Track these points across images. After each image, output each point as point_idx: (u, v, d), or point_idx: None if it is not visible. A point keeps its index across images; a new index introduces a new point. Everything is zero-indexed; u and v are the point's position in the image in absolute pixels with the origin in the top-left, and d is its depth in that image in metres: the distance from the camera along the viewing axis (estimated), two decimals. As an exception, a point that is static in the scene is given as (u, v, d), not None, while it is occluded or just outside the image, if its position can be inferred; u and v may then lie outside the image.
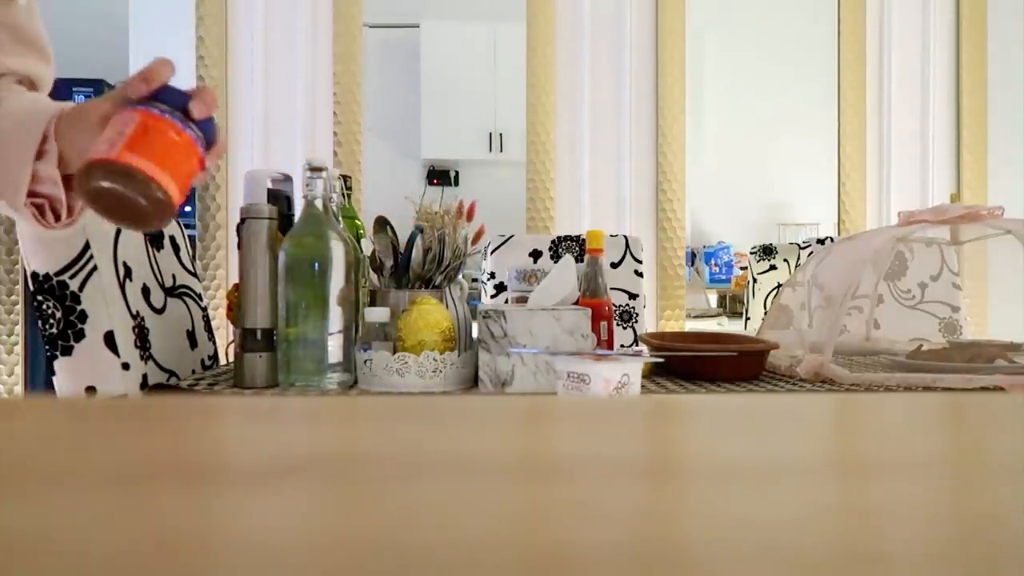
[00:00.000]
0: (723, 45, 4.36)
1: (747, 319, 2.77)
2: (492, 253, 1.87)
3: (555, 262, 1.79)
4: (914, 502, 0.15)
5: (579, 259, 1.48)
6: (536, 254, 1.87)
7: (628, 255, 1.88)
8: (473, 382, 1.07)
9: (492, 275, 1.86)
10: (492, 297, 1.85)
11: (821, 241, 2.38)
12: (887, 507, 0.15)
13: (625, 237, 1.92)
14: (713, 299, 4.16)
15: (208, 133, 0.72)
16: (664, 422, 0.26)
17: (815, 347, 1.14)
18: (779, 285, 2.51)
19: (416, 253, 1.15)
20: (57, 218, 0.79)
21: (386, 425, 0.23)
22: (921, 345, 1.35)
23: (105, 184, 0.65)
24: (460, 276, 1.19)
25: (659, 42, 2.64)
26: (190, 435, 0.22)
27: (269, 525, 0.14)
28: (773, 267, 2.66)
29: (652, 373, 1.19)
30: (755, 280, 2.71)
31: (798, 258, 2.52)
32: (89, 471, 0.17)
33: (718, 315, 3.97)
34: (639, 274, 1.88)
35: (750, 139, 4.51)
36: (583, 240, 1.80)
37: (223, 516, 0.14)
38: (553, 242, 1.89)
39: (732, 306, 3.95)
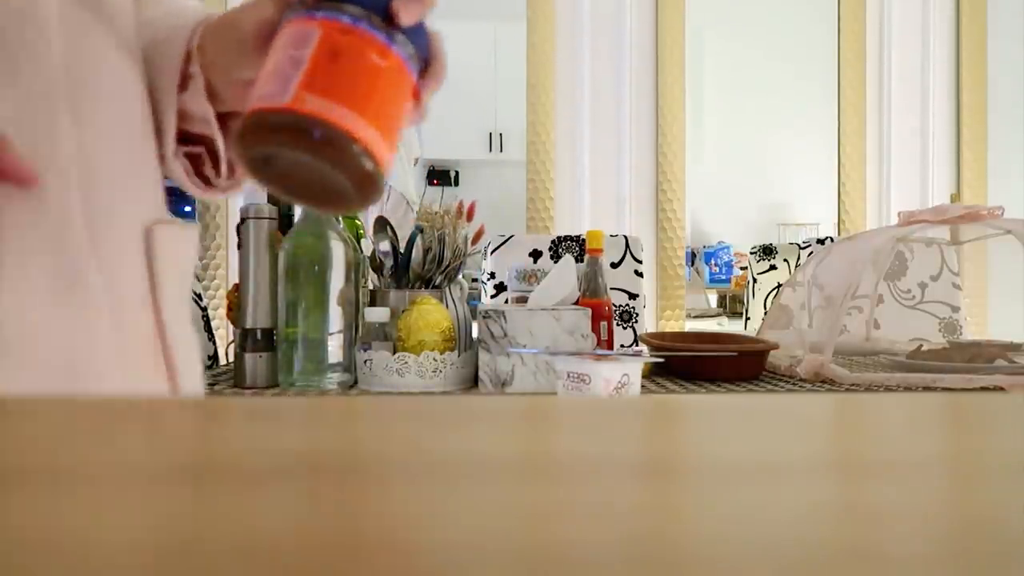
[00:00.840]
0: (723, 44, 4.36)
1: (747, 319, 2.77)
2: (492, 253, 1.87)
3: (555, 262, 1.79)
4: (914, 502, 0.15)
5: (579, 259, 1.48)
6: (536, 254, 1.87)
7: (628, 255, 1.88)
8: (473, 382, 1.07)
9: (492, 275, 1.86)
10: (492, 297, 1.85)
11: (821, 241, 2.38)
12: (887, 507, 0.15)
13: (625, 237, 1.92)
14: (713, 299, 4.16)
15: (421, 46, 0.48)
16: (664, 422, 0.26)
17: (815, 347, 1.14)
18: (779, 285, 2.51)
19: (416, 253, 1.15)
20: (218, 171, 0.56)
21: (386, 425, 0.23)
22: (921, 345, 1.35)
23: (276, 149, 0.40)
24: (460, 276, 1.19)
25: (659, 41, 2.64)
26: (190, 435, 0.22)
27: (269, 526, 0.14)
28: (773, 267, 2.66)
29: (652, 373, 1.19)
30: (755, 280, 2.71)
31: (798, 258, 2.52)
32: (89, 471, 0.17)
33: (718, 315, 3.97)
34: (639, 274, 1.88)
35: (750, 139, 4.51)
36: (583, 240, 1.80)
37: (223, 516, 0.14)
38: (553, 242, 1.89)
39: (732, 306, 3.95)
